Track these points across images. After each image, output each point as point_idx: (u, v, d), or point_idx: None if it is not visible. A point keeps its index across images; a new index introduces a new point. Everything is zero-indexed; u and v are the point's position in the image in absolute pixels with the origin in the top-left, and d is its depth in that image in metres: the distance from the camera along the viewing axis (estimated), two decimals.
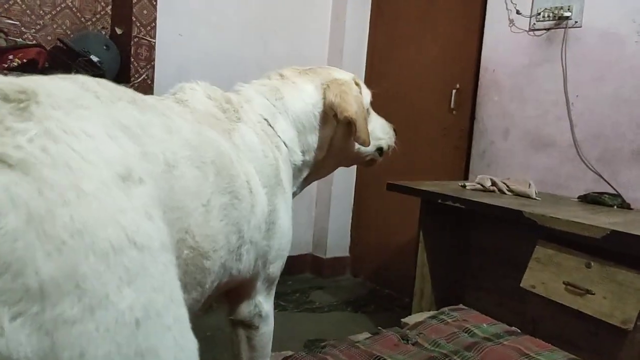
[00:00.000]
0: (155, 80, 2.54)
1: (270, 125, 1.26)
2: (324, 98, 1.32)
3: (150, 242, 0.61)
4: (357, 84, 1.42)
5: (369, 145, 1.39)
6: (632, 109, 2.16)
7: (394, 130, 1.60)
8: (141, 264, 0.59)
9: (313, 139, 1.34)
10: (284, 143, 1.27)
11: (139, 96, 0.85)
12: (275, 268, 1.20)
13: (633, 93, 2.16)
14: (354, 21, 3.41)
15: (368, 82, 3.50)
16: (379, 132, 1.53)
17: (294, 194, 1.38)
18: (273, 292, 1.26)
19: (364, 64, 3.47)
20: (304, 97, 1.33)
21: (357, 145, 1.41)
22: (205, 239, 0.84)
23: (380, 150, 1.54)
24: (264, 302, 1.21)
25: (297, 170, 1.34)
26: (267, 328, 1.24)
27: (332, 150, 1.39)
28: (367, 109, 1.46)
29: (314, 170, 1.40)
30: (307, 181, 1.43)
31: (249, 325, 1.22)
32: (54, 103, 0.62)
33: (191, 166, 0.83)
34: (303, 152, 1.33)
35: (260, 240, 1.08)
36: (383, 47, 3.38)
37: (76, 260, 0.53)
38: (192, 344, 0.67)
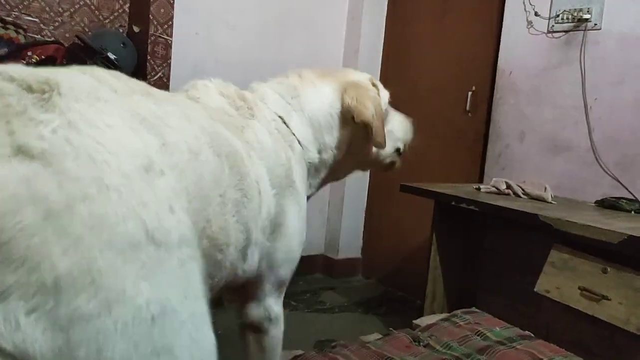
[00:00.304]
0: (171, 78, 2.55)
1: (285, 123, 1.24)
2: (342, 100, 1.31)
3: (168, 237, 0.61)
4: (374, 85, 1.41)
5: (384, 147, 1.38)
6: None
7: (413, 124, 1.58)
8: (158, 259, 0.59)
9: (330, 139, 1.32)
10: (299, 141, 1.26)
11: (152, 89, 0.85)
12: (285, 271, 1.18)
13: None
14: (369, 22, 3.40)
15: (383, 83, 3.50)
16: (398, 131, 1.51)
17: (311, 194, 1.37)
18: (283, 295, 1.24)
19: (379, 65, 3.46)
20: (321, 96, 1.32)
21: (374, 149, 1.40)
22: (220, 231, 0.84)
23: (398, 150, 1.53)
24: (273, 305, 1.20)
25: (313, 169, 1.32)
26: (277, 331, 1.22)
27: (351, 152, 1.37)
28: (385, 109, 1.45)
29: (332, 171, 1.39)
30: (324, 182, 1.42)
31: (258, 329, 1.20)
32: (76, 95, 0.62)
33: (212, 153, 0.82)
34: (319, 151, 1.32)
35: (264, 241, 1.06)
36: (398, 48, 3.36)
37: (93, 255, 0.53)
38: (208, 340, 0.66)
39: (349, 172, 1.54)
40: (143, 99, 0.76)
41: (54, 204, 0.52)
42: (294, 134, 1.25)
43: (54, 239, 0.51)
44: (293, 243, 1.17)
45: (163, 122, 0.73)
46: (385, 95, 1.45)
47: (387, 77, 3.42)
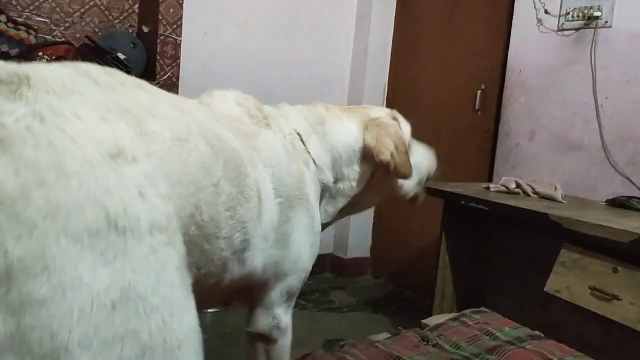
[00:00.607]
0: (180, 78, 2.56)
1: (302, 141, 1.25)
2: (364, 138, 1.32)
3: (135, 223, 0.60)
4: (395, 119, 1.42)
5: (410, 176, 1.37)
6: None
7: (436, 154, 1.59)
8: (121, 246, 0.58)
9: (350, 172, 1.34)
10: (314, 161, 1.26)
11: (149, 85, 0.85)
12: (294, 281, 1.18)
13: None
14: (378, 21, 3.39)
15: (392, 83, 3.50)
16: (421, 164, 1.52)
17: (328, 224, 1.38)
18: (292, 305, 1.24)
19: (388, 64, 3.45)
20: (344, 129, 1.33)
21: (400, 182, 1.41)
22: (210, 220, 0.83)
23: (420, 183, 1.53)
24: (282, 315, 1.20)
25: (328, 194, 1.33)
26: (285, 341, 1.22)
27: (372, 186, 1.38)
28: (409, 142, 1.46)
29: (352, 203, 1.39)
30: (344, 213, 1.42)
31: (267, 338, 1.20)
32: (48, 87, 0.63)
33: (203, 142, 0.83)
34: (336, 179, 1.33)
35: (267, 249, 1.06)
36: (407, 47, 3.35)
37: (46, 242, 0.53)
38: (186, 326, 0.66)
39: (370, 206, 1.55)
40: (131, 91, 0.77)
41: (9, 190, 0.52)
42: (309, 153, 1.25)
43: (8, 226, 0.52)
44: (302, 254, 1.17)
45: (147, 112, 0.73)
46: (406, 127, 1.46)
47: (395, 76, 3.41)
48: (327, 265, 3.52)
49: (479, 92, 2.84)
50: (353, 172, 1.34)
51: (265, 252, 1.06)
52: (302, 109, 1.34)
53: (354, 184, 1.35)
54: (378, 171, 1.36)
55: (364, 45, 3.39)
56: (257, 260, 1.04)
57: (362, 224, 3.52)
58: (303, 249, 1.17)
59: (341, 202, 1.37)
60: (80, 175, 0.57)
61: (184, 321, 0.66)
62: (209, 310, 2.65)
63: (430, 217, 2.74)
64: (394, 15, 3.43)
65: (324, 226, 1.37)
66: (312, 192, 1.21)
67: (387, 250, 3.47)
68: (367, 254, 3.57)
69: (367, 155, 1.33)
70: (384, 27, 3.42)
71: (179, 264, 0.67)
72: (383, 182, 1.39)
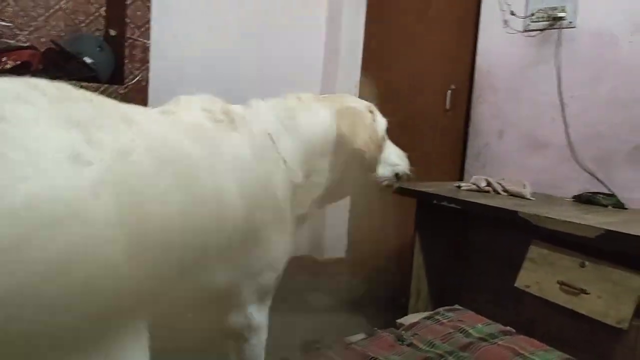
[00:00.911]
0: (150, 81, 2.53)
1: (273, 141, 1.25)
2: (338, 126, 1.33)
3: (94, 217, 0.68)
4: (371, 112, 1.42)
5: (374, 171, 1.42)
6: (627, 109, 2.17)
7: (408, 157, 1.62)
8: (85, 235, 0.66)
9: (323, 163, 1.34)
10: (284, 161, 1.26)
11: (97, 97, 0.87)
12: (266, 280, 1.19)
13: (627, 93, 2.17)
14: (349, 22, 3.41)
15: (364, 83, 3.50)
16: (395, 158, 1.54)
17: (303, 217, 1.38)
18: (267, 304, 1.24)
19: (360, 64, 3.47)
20: (317, 121, 1.34)
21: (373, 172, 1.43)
22: (160, 227, 0.84)
23: (397, 175, 1.56)
24: (255, 313, 1.20)
25: (303, 190, 1.33)
26: (259, 340, 1.23)
27: (347, 175, 1.39)
28: (383, 137, 1.47)
29: (328, 193, 1.40)
30: (321, 203, 1.43)
31: (239, 336, 1.20)
32: (4, 95, 0.69)
33: (147, 156, 0.84)
34: (308, 173, 1.33)
35: (234, 250, 1.06)
36: (378, 48, 3.38)
37: (22, 229, 0.60)
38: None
39: (347, 195, 1.56)
40: (78, 104, 0.80)
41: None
42: (281, 153, 1.25)
43: None
44: (273, 254, 1.18)
45: (93, 123, 0.77)
46: (382, 122, 1.47)
47: (367, 77, 3.43)
48: (303, 266, 3.52)
49: (449, 92, 2.88)
50: (327, 162, 1.35)
51: (232, 254, 1.06)
52: (273, 105, 1.33)
53: (328, 174, 1.36)
54: (352, 159, 1.36)
55: (336, 47, 3.41)
56: (224, 262, 1.05)
57: (337, 224, 3.53)
58: (273, 250, 1.18)
59: (316, 193, 1.38)
60: (47, 174, 0.64)
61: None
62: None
63: (404, 217, 2.76)
64: (365, 16, 3.45)
65: (302, 217, 1.37)
66: (282, 191, 1.22)
67: (362, 251, 3.49)
68: (343, 254, 3.58)
69: (340, 144, 1.34)
70: (354, 28, 3.43)
71: (122, 258, 0.73)
72: (356, 170, 1.40)
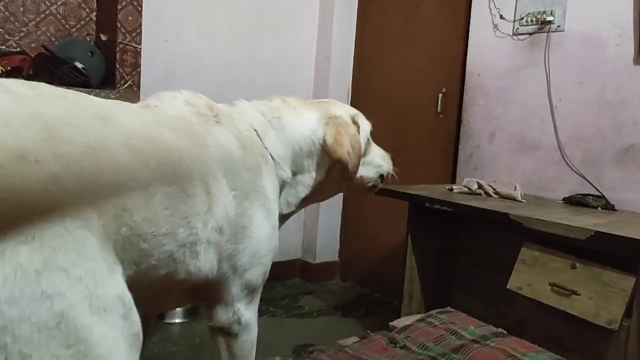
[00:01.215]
0: (141, 86, 2.53)
1: (259, 136, 1.26)
2: (323, 132, 1.35)
3: (45, 212, 0.70)
4: (355, 123, 1.44)
5: (354, 177, 1.43)
6: (614, 111, 2.19)
7: (392, 159, 1.64)
8: (36, 230, 0.68)
9: (310, 164, 1.36)
10: (271, 156, 1.27)
11: (74, 94, 0.88)
12: (254, 275, 1.18)
13: (614, 96, 2.19)
14: (340, 26, 3.42)
15: (355, 87, 3.54)
16: (379, 159, 1.57)
17: (291, 213, 1.39)
18: (256, 300, 1.24)
19: (351, 69, 3.48)
20: (302, 122, 1.35)
21: (359, 173, 1.45)
22: (144, 221, 0.86)
23: (381, 176, 1.58)
24: (243, 310, 1.20)
25: (290, 187, 1.34)
26: (248, 337, 1.22)
27: (331, 177, 1.40)
28: (368, 140, 1.50)
29: (313, 193, 1.41)
30: (306, 202, 1.44)
31: (227, 333, 1.20)
32: None
33: (125, 151, 0.85)
34: (295, 172, 1.34)
35: (223, 242, 1.07)
36: (370, 52, 3.39)
37: None
38: (111, 293, 0.76)
39: (332, 194, 1.58)
40: (48, 102, 0.80)
41: None
42: (266, 148, 1.26)
43: None
44: (260, 247, 1.18)
45: (61, 120, 0.78)
46: (367, 126, 1.50)
47: (359, 81, 3.45)
48: (296, 270, 3.52)
49: (441, 95, 2.90)
50: (313, 163, 1.37)
51: (220, 246, 1.07)
52: (258, 104, 1.35)
53: (314, 174, 1.38)
54: (335, 165, 1.38)
55: (327, 51, 3.42)
56: (211, 253, 1.05)
57: (329, 228, 3.53)
58: (261, 243, 1.18)
59: (302, 192, 1.39)
60: None
61: (109, 290, 0.76)
62: (176, 320, 2.62)
63: (397, 220, 2.78)
64: (356, 21, 3.46)
65: (288, 215, 1.39)
66: (270, 185, 1.23)
67: (355, 254, 3.49)
68: (336, 258, 3.58)
69: (324, 149, 1.36)
70: (346, 32, 3.45)
71: (98, 244, 0.76)
72: (341, 173, 1.41)
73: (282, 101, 1.39)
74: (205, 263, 1.04)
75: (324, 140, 1.35)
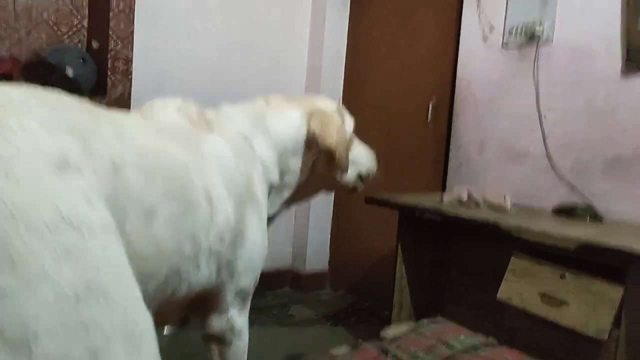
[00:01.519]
0: (133, 93, 2.53)
1: (248, 142, 1.27)
2: (308, 126, 1.35)
3: (88, 222, 0.64)
4: (340, 114, 1.45)
5: (347, 171, 1.44)
6: (602, 121, 2.22)
7: (375, 155, 1.64)
8: (80, 242, 0.62)
9: (294, 163, 1.37)
10: (261, 160, 1.28)
11: (92, 107, 0.87)
12: (247, 281, 1.19)
13: (602, 106, 2.22)
14: (332, 33, 3.44)
15: (346, 94, 3.55)
16: (361, 158, 1.57)
17: (275, 215, 1.39)
18: (247, 306, 1.25)
19: (342, 77, 3.50)
20: (286, 121, 1.36)
21: (339, 172, 1.44)
22: (144, 243, 0.85)
23: (361, 176, 1.58)
24: (236, 317, 1.21)
25: (276, 190, 1.35)
26: (240, 343, 1.23)
27: (315, 176, 1.41)
28: (350, 137, 1.50)
29: (296, 193, 1.42)
30: (289, 203, 1.44)
31: (221, 340, 1.21)
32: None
33: (137, 172, 0.84)
34: (282, 173, 1.35)
35: (223, 250, 1.07)
36: (361, 59, 3.41)
37: (8, 237, 0.56)
38: (144, 318, 0.71)
39: (314, 195, 1.59)
40: (77, 111, 0.79)
41: None
42: (257, 153, 1.27)
43: None
44: (254, 252, 1.19)
45: (91, 134, 0.76)
46: (350, 122, 1.50)
47: (350, 91, 3.46)
48: (286, 279, 3.51)
49: (431, 104, 2.92)
50: (297, 162, 1.37)
51: (220, 255, 1.07)
52: (242, 108, 1.35)
53: (299, 174, 1.38)
54: (320, 160, 1.39)
55: (319, 57, 3.43)
56: (212, 263, 1.05)
57: (320, 237, 3.53)
58: (256, 248, 1.19)
59: (286, 193, 1.40)
60: (29, 180, 0.61)
61: (142, 314, 0.70)
62: (165, 332, 2.59)
63: (387, 228, 2.78)
64: (348, 28, 3.49)
65: (271, 219, 1.39)
66: (261, 190, 1.24)
67: (345, 263, 3.49)
68: (326, 267, 3.58)
69: (310, 144, 1.37)
70: (338, 39, 3.47)
71: (128, 263, 0.71)
72: (324, 171, 1.42)
73: (266, 102, 1.39)
74: (205, 274, 1.04)
75: (310, 134, 1.35)
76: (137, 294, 0.71)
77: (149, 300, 0.84)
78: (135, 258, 0.82)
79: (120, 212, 0.78)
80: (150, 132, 0.99)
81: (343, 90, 3.49)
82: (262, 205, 1.23)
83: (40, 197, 0.61)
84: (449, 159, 2.79)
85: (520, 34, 2.46)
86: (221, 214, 1.05)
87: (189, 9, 2.94)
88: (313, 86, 3.45)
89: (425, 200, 2.33)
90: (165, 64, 2.85)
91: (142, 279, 0.84)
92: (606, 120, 2.21)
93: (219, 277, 1.10)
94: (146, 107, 1.16)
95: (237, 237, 1.12)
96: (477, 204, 2.27)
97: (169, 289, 0.94)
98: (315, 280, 3.50)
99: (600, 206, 2.16)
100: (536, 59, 2.41)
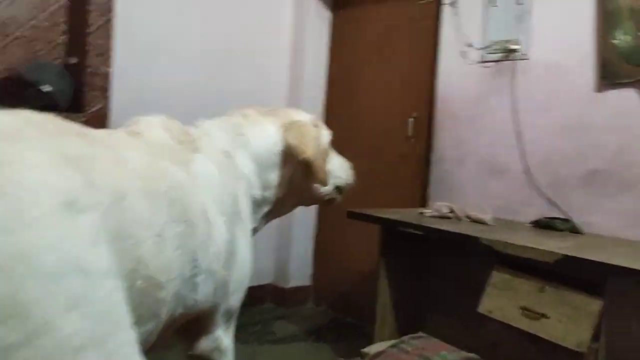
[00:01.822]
0: (111, 110, 2.50)
1: (231, 158, 1.26)
2: (284, 139, 1.35)
3: (95, 267, 0.63)
4: (316, 126, 1.45)
5: (327, 184, 1.44)
6: (577, 137, 2.26)
7: (352, 167, 1.64)
8: (87, 288, 0.61)
9: (273, 177, 1.37)
10: (245, 176, 1.28)
11: (87, 130, 0.86)
12: (235, 300, 1.19)
13: (577, 121, 2.26)
14: (313, 52, 3.46)
15: (328, 112, 3.56)
16: (338, 170, 1.58)
17: (255, 231, 1.38)
18: (233, 325, 1.24)
19: (324, 94, 3.51)
20: (264, 135, 1.36)
21: (317, 185, 1.45)
22: (159, 268, 0.83)
23: (338, 188, 1.58)
24: (223, 336, 1.20)
25: (256, 205, 1.34)
26: None
27: (292, 189, 1.41)
28: (327, 149, 1.50)
29: (274, 207, 1.42)
30: (267, 218, 1.44)
31: None
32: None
33: (142, 197, 0.83)
34: (263, 188, 1.35)
35: (219, 269, 1.07)
36: (342, 77, 3.43)
37: (18, 285, 0.55)
38: None
39: (292, 209, 1.58)
40: (75, 139, 0.78)
41: None
42: (240, 169, 1.26)
43: None
44: (244, 271, 1.19)
45: (92, 164, 0.75)
46: (326, 134, 1.51)
47: (331, 106, 3.48)
48: (268, 295, 3.48)
49: (411, 120, 2.94)
50: (276, 176, 1.37)
51: (216, 274, 1.06)
52: (221, 123, 1.35)
53: (278, 188, 1.38)
54: (298, 171, 1.39)
55: (300, 75, 3.44)
56: (209, 283, 1.04)
57: (302, 252, 3.51)
58: (246, 266, 1.19)
59: (266, 208, 1.40)
60: (40, 222, 0.60)
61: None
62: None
63: (370, 243, 2.78)
64: (328, 46, 3.51)
65: (253, 231, 1.38)
66: (245, 208, 1.24)
67: (328, 278, 3.47)
68: (308, 282, 3.56)
69: (287, 157, 1.36)
70: (318, 58, 3.48)
71: (127, 308, 0.70)
72: (303, 182, 1.42)
73: (243, 116, 1.39)
74: (203, 294, 1.03)
75: (288, 147, 1.35)
76: (132, 340, 0.70)
77: (151, 331, 0.83)
78: (152, 285, 0.81)
79: (131, 238, 0.77)
80: (145, 153, 0.98)
81: (325, 107, 3.50)
82: (247, 223, 1.23)
83: (51, 241, 0.60)
84: (430, 174, 2.81)
85: (498, 50, 2.50)
86: (216, 233, 1.05)
87: (167, 24, 2.93)
88: (294, 102, 3.46)
89: (407, 214, 2.34)
90: (145, 82, 2.81)
91: (158, 308, 0.83)
92: (581, 136, 2.25)
93: (214, 297, 1.09)
94: (131, 124, 1.15)
95: (230, 255, 1.11)
96: (457, 218, 2.28)
97: (166, 312, 0.92)
98: (297, 295, 3.48)
99: (578, 219, 2.19)
100: (513, 74, 2.45)
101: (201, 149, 1.17)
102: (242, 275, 1.18)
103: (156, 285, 0.83)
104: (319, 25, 3.47)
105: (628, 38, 2.09)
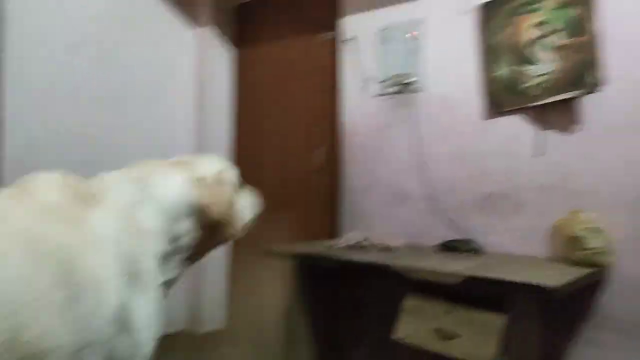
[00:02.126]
0: (4, 157, 2.31)
1: (133, 213, 1.20)
2: (194, 193, 1.33)
3: None
4: (221, 176, 1.44)
5: (237, 236, 1.49)
6: (472, 162, 2.42)
7: (258, 197, 1.64)
8: None
9: (184, 227, 1.32)
10: (147, 231, 1.22)
11: None
12: None
13: (471, 149, 2.42)
14: (218, 90, 3.45)
15: (236, 147, 3.52)
16: (246, 209, 1.57)
17: (172, 282, 1.32)
18: None
19: (231, 132, 3.49)
20: (172, 186, 1.32)
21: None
22: (43, 336, 0.78)
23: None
24: None
25: (165, 258, 1.28)
26: None
27: (205, 236, 1.38)
28: (233, 195, 1.50)
29: (193, 252, 1.38)
30: (190, 262, 1.39)
31: None
32: None
33: (24, 258, 0.78)
34: (174, 239, 1.29)
35: (111, 336, 1.00)
36: (248, 114, 3.44)
37: None
38: None
39: (216, 247, 1.54)
40: None
41: None
42: (143, 223, 1.20)
43: None
44: (144, 335, 1.10)
45: None
46: (233, 177, 1.50)
47: (239, 142, 3.46)
48: (180, 343, 3.31)
49: (319, 152, 3.00)
50: (187, 226, 1.33)
51: (109, 342, 0.99)
52: (125, 175, 1.29)
53: (190, 237, 1.34)
54: (210, 221, 1.37)
55: (205, 114, 3.41)
56: (99, 352, 0.96)
57: (215, 294, 3.40)
58: (144, 332, 1.10)
59: (184, 254, 1.35)
60: None
61: None
62: None
63: (285, 277, 2.75)
64: (234, 84, 3.51)
65: (170, 283, 1.32)
66: (148, 265, 1.17)
67: (243, 319, 3.38)
68: (223, 325, 3.44)
69: (197, 210, 1.34)
70: (223, 96, 3.47)
71: None
72: (214, 231, 1.41)
73: (146, 167, 1.35)
74: None
75: (198, 203, 1.33)
76: None
77: None
78: (33, 355, 0.75)
79: (12, 303, 0.72)
80: (33, 213, 0.93)
81: (233, 142, 3.48)
82: (151, 281, 1.16)
83: None
84: (340, 204, 2.86)
85: (395, 83, 2.63)
86: (110, 293, 0.99)
87: (59, 72, 2.77)
88: (201, 141, 3.41)
89: (319, 247, 2.35)
90: (39, 127, 2.62)
91: None
92: (476, 162, 2.41)
93: None
94: (24, 183, 1.07)
95: (125, 318, 1.04)
96: (364, 247, 2.33)
97: None
98: (212, 340, 3.34)
99: (479, 240, 2.32)
100: (410, 107, 2.59)
101: (100, 204, 1.11)
102: (141, 339, 1.09)
103: (41, 355, 0.77)
104: (223, 62, 3.48)
105: (506, 70, 2.29)
